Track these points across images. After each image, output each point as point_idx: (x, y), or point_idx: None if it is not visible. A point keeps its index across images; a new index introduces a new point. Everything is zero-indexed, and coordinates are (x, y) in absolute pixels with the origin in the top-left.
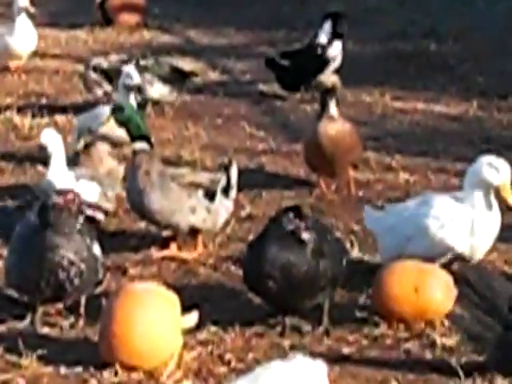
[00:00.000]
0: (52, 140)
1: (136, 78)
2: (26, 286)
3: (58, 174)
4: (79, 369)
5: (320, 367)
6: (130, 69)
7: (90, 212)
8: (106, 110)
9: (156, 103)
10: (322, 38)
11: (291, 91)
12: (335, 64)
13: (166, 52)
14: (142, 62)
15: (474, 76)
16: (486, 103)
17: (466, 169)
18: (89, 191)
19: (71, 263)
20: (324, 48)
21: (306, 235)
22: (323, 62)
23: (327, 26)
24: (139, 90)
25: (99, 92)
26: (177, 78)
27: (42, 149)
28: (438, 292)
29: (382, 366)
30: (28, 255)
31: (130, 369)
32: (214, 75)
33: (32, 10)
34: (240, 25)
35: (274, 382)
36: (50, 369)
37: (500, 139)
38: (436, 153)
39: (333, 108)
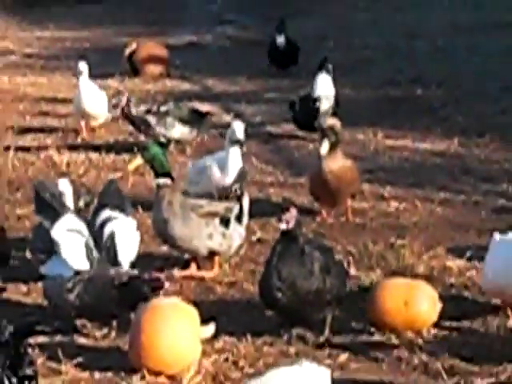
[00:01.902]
0: (66, 188)
1: (239, 134)
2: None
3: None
4: (111, 374)
5: (324, 372)
6: (237, 125)
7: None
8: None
9: (177, 142)
10: (317, 91)
11: (306, 131)
12: (326, 106)
13: (186, 98)
14: (163, 108)
15: (455, 117)
16: (465, 141)
17: (448, 198)
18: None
19: None
20: (318, 100)
21: (283, 226)
22: (316, 109)
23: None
24: (241, 144)
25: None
26: (195, 118)
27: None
28: (425, 305)
29: (376, 370)
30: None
31: (155, 374)
32: (228, 118)
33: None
34: (251, 74)
35: None
36: (86, 374)
37: (478, 172)
38: (422, 184)
39: (324, 148)
